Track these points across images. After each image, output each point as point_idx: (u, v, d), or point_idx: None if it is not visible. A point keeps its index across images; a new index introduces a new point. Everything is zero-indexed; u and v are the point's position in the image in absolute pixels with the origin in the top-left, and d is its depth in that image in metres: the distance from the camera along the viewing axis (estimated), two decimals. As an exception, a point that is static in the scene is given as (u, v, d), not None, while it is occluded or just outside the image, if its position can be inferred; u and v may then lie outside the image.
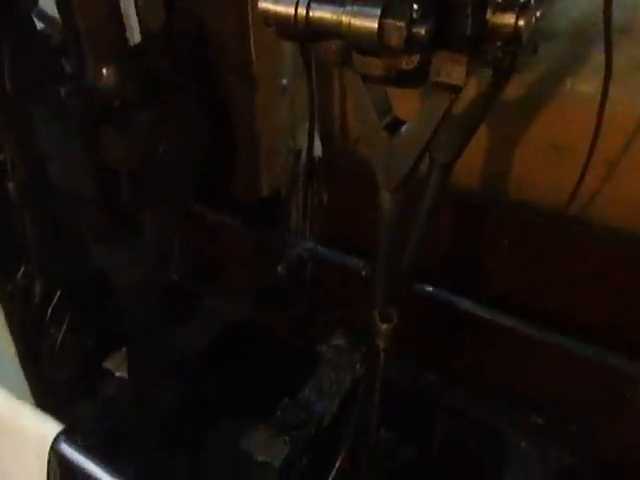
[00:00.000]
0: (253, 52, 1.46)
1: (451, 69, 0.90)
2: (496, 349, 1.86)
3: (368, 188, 1.91)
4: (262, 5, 0.88)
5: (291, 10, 0.84)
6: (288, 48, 1.65)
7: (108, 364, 2.02)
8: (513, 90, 1.57)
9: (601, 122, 1.32)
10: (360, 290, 1.94)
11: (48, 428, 1.02)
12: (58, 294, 2.00)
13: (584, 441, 1.82)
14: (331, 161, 1.89)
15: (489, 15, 0.87)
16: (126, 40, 1.31)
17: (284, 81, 1.66)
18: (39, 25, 1.56)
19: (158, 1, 1.42)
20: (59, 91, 1.21)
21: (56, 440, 1.01)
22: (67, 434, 1.03)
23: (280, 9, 0.86)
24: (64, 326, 2.02)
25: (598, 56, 1.48)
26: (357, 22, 0.78)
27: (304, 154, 1.82)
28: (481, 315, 1.74)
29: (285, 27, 0.85)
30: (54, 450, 1.01)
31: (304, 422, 1.93)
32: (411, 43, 0.77)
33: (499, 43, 0.89)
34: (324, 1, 0.83)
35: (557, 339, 1.67)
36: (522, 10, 0.86)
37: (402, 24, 0.76)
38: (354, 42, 0.82)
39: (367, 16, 0.77)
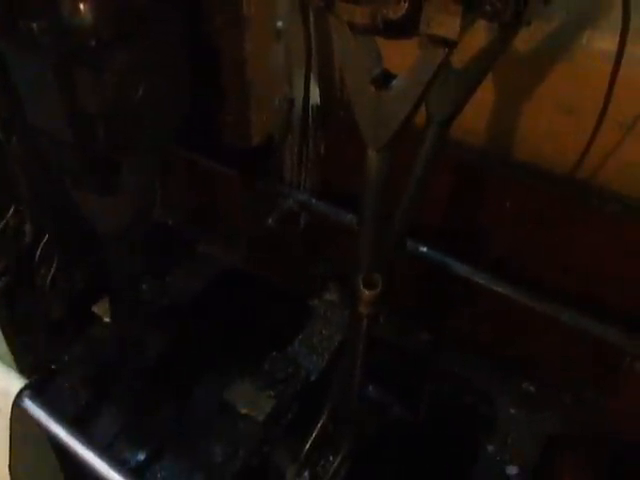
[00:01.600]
0: (245, -11, 1.36)
1: (443, 20, 0.80)
2: (491, 314, 1.81)
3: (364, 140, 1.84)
4: None
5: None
6: (283, -13, 1.54)
7: (97, 309, 2.00)
8: (521, 43, 1.45)
9: (615, 81, 1.21)
10: (354, 246, 1.90)
11: (11, 384, 0.99)
12: (47, 235, 1.97)
13: (575, 411, 1.79)
14: (329, 110, 1.80)
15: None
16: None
17: (279, 24, 1.55)
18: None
19: None
20: (31, 27, 1.12)
21: (19, 396, 0.98)
22: (33, 389, 0.99)
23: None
24: (53, 266, 1.99)
25: (617, 12, 1.36)
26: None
27: (300, 102, 1.72)
28: (476, 280, 1.69)
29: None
30: (17, 406, 0.99)
31: (291, 376, 1.92)
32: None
33: (498, -9, 0.79)
34: None
35: (553, 308, 1.61)
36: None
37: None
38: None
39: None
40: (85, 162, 1.29)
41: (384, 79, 0.97)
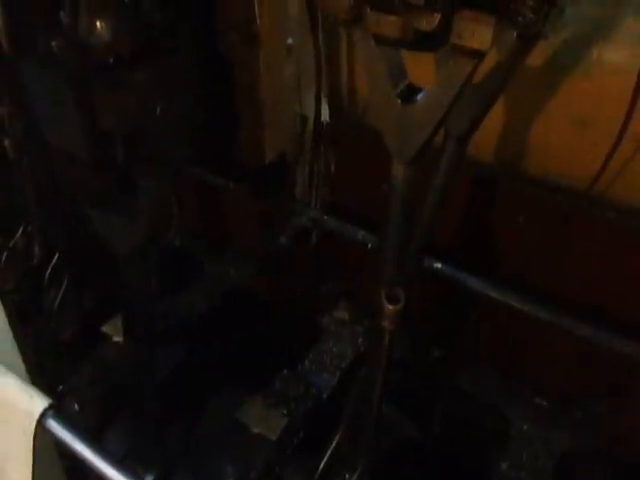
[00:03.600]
0: (256, 8, 1.36)
1: (475, 31, 0.81)
2: (502, 329, 1.81)
3: (378, 156, 1.82)
4: None
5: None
6: (294, 5, 1.55)
7: (107, 328, 1.98)
8: (535, 57, 1.46)
9: (638, 94, 1.22)
10: (365, 263, 1.89)
11: (35, 403, 0.97)
12: (57, 255, 1.96)
13: (589, 427, 1.78)
14: (339, 127, 1.81)
15: (518, -30, 0.78)
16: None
17: (289, 41, 1.56)
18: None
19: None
20: (51, 44, 1.13)
21: (43, 416, 0.96)
22: (55, 409, 0.98)
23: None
24: (63, 287, 1.97)
25: (627, 21, 1.37)
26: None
27: (311, 119, 1.73)
28: (489, 294, 1.68)
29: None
30: (41, 426, 0.97)
31: (303, 395, 1.90)
32: None
33: (530, 2, 0.80)
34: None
35: (567, 322, 1.60)
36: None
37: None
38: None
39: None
40: (102, 181, 1.28)
41: (410, 92, 0.97)
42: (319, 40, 1.53)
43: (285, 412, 1.83)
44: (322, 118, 1.73)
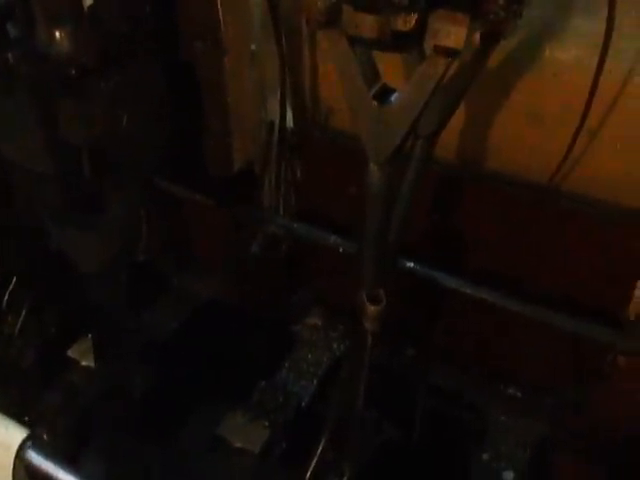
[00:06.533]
0: (221, 14, 1.35)
1: (450, 30, 0.82)
2: (474, 323, 1.83)
3: (344, 160, 1.85)
4: None
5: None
6: (257, 10, 1.54)
7: (73, 352, 1.91)
8: (491, 57, 1.50)
9: (595, 90, 1.26)
10: (338, 268, 1.89)
11: (11, 435, 0.92)
12: (14, 279, 1.88)
13: (561, 412, 1.82)
14: (303, 132, 1.80)
15: (490, -31, 0.80)
16: (81, 1, 1.18)
17: (252, 47, 1.55)
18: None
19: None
20: (6, 57, 1.08)
21: (21, 447, 0.92)
22: (33, 440, 0.93)
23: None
24: (23, 311, 1.89)
25: (576, 21, 1.42)
26: (359, -27, 0.69)
27: (276, 125, 1.72)
28: (460, 289, 1.70)
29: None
30: (20, 458, 0.92)
31: (282, 405, 1.88)
32: (417, -1, 0.69)
33: (501, 2, 0.82)
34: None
35: (534, 310, 1.64)
36: (526, -35, 0.79)
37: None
38: (351, -4, 0.73)
39: (369, -35, 0.69)
40: (67, 196, 1.24)
41: (385, 93, 0.98)
42: (282, 44, 1.52)
43: (266, 424, 1.81)
44: (287, 124, 1.73)
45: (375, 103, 0.97)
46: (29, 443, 0.93)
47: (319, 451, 1.58)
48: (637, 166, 1.39)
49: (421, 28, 0.82)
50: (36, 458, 0.92)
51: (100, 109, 1.15)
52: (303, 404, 1.90)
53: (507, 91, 1.54)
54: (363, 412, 1.43)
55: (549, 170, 1.51)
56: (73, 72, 1.14)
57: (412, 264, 1.67)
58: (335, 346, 2.07)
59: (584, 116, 1.32)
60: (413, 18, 0.79)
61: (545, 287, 1.66)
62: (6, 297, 1.89)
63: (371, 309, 1.17)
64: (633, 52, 1.29)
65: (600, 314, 1.59)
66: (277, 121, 1.71)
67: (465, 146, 1.67)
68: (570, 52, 1.43)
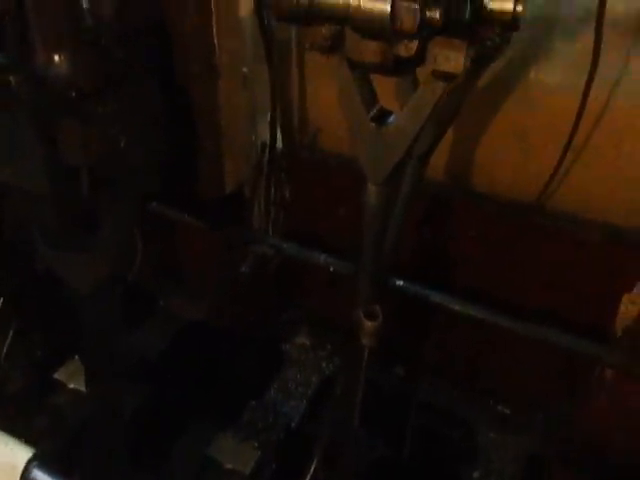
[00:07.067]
0: (216, 39, 1.38)
1: (449, 56, 0.86)
2: (465, 340, 1.86)
3: (332, 181, 1.88)
4: None
5: (293, -9, 0.77)
6: (249, 34, 1.57)
7: (60, 375, 1.89)
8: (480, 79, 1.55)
9: (583, 111, 1.31)
10: (328, 287, 1.91)
11: (17, 455, 0.92)
12: (1, 301, 1.85)
13: (549, 428, 1.85)
14: (293, 154, 1.83)
15: (487, 0, 0.84)
16: (79, 25, 1.20)
17: (244, 69, 1.58)
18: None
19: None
20: (8, 80, 1.09)
21: (27, 468, 0.91)
22: (39, 459, 0.93)
23: (280, -11, 0.78)
24: (9, 334, 1.87)
25: (560, 44, 1.48)
26: (368, 4, 0.73)
27: (266, 146, 1.75)
28: (449, 306, 1.73)
29: (284, 9, 0.78)
30: (25, 478, 0.91)
31: (272, 425, 1.87)
32: (424, 27, 0.72)
33: (497, 29, 0.86)
34: (330, -19, 0.77)
35: (525, 327, 1.67)
36: (520, -4, 0.84)
37: (416, 7, 0.71)
38: (362, 26, 0.76)
39: (379, -3, 0.72)
40: (63, 217, 1.24)
41: (382, 116, 1.01)
42: (274, 68, 1.56)
43: (256, 444, 1.80)
44: (276, 145, 1.75)
45: (373, 125, 1.00)
46: (35, 463, 0.93)
47: (311, 470, 1.58)
48: (621, 185, 1.45)
49: (421, 54, 0.86)
50: (42, 477, 0.91)
51: (98, 131, 1.16)
52: (293, 424, 1.90)
53: (494, 112, 1.60)
54: (359, 428, 1.44)
55: (536, 189, 1.56)
56: (72, 95, 1.15)
57: (402, 282, 1.70)
58: (324, 365, 2.08)
59: (571, 137, 1.37)
60: (414, 45, 0.82)
61: (534, 303, 1.70)
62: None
63: (368, 325, 1.18)
64: (614, 75, 1.35)
65: (588, 330, 1.62)
66: (267, 143, 1.74)
67: (453, 166, 1.72)
68: (554, 74, 1.50)
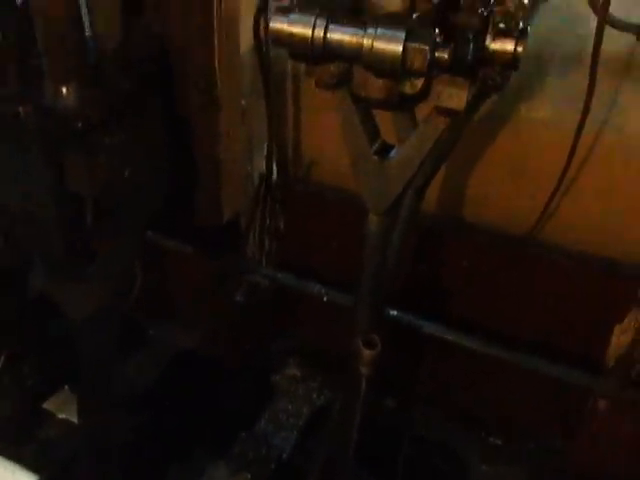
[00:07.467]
0: (218, 73, 1.42)
1: (452, 93, 0.90)
2: (457, 370, 1.87)
3: (325, 213, 1.91)
4: (275, 26, 0.84)
5: (308, 32, 0.81)
6: (247, 69, 1.62)
7: (49, 405, 1.86)
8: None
9: (576, 147, 1.36)
10: (320, 317, 1.92)
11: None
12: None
13: (541, 458, 1.86)
14: (287, 185, 1.87)
15: (489, 41, 0.88)
16: (85, 59, 1.23)
17: (243, 102, 1.62)
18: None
19: (114, 18, 1.36)
20: (17, 111, 1.11)
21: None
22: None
23: (295, 30, 0.82)
24: (0, 362, 1.84)
25: (551, 81, 1.55)
26: (380, 45, 0.77)
27: (262, 178, 1.78)
28: (442, 337, 1.75)
29: (299, 48, 0.82)
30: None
31: (264, 457, 1.86)
32: (432, 67, 0.76)
33: (498, 68, 0.91)
34: (343, 23, 0.81)
35: (517, 357, 1.69)
36: (520, 37, 0.88)
37: (426, 48, 0.75)
38: (373, 65, 0.80)
39: (391, 39, 0.76)
40: (65, 245, 1.25)
41: (385, 149, 1.05)
42: (271, 102, 1.60)
43: (248, 476, 1.78)
44: (272, 176, 1.79)
45: (376, 158, 1.04)
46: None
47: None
48: (613, 218, 1.50)
49: (425, 91, 0.90)
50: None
51: (103, 161, 1.18)
52: (284, 456, 1.88)
53: (488, 145, 1.65)
54: (354, 457, 1.44)
55: (529, 220, 1.60)
56: (78, 125, 1.18)
57: (395, 312, 1.72)
58: (315, 397, 2.07)
59: (564, 171, 1.42)
60: (420, 82, 0.86)
61: (526, 334, 1.72)
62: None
63: (367, 353, 1.20)
64: (605, 111, 1.41)
65: (580, 360, 1.65)
66: (264, 174, 1.77)
67: (446, 197, 1.76)
68: (545, 110, 1.56)
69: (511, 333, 1.73)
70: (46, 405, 1.86)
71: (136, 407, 1.90)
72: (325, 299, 1.79)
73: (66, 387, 1.91)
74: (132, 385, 1.96)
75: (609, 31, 1.24)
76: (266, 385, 2.09)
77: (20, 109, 1.12)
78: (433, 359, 1.89)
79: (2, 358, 1.82)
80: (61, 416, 1.83)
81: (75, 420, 1.77)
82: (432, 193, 1.72)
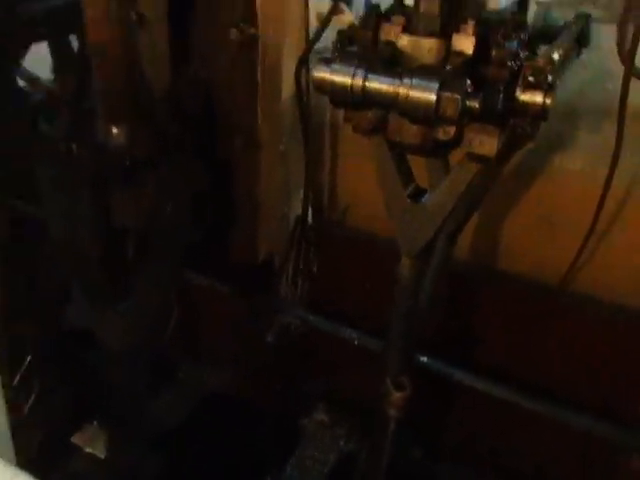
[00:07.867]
0: (260, 116, 1.48)
1: (483, 140, 0.94)
2: (486, 421, 1.84)
3: (358, 256, 1.94)
4: (318, 74, 0.90)
5: (348, 80, 0.87)
6: (288, 113, 1.69)
7: (77, 439, 1.88)
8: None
9: (605, 197, 1.38)
10: (350, 361, 1.92)
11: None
12: (28, 359, 1.88)
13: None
14: (322, 228, 1.90)
15: (518, 92, 0.92)
16: (136, 102, 1.31)
17: (281, 147, 1.68)
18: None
19: (164, 64, 1.44)
20: (70, 147, 1.19)
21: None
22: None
23: (337, 78, 0.88)
24: (33, 394, 1.88)
25: (582, 134, 1.58)
26: (415, 94, 0.81)
27: (297, 220, 1.82)
28: (472, 386, 1.73)
29: (339, 95, 0.87)
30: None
31: (289, 503, 1.84)
32: (464, 115, 0.80)
33: (527, 119, 0.94)
34: (380, 73, 0.86)
35: (548, 410, 1.66)
36: (549, 89, 0.92)
37: (458, 97, 0.79)
38: (408, 112, 0.85)
39: (425, 88, 0.81)
40: (107, 277, 1.30)
41: (418, 193, 1.08)
42: (309, 146, 1.65)
43: (273, 521, 1.76)
44: (307, 219, 1.83)
45: (409, 201, 1.07)
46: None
47: None
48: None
49: (457, 138, 0.93)
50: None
51: (149, 194, 1.24)
52: (309, 502, 1.86)
53: (519, 196, 1.67)
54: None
55: (560, 270, 1.60)
56: (127, 162, 1.25)
57: (425, 359, 1.71)
58: (342, 444, 2.05)
59: (594, 223, 1.42)
60: (453, 129, 0.90)
61: (557, 384, 1.69)
62: (17, 377, 1.88)
63: (396, 396, 1.20)
64: (635, 164, 1.42)
65: (612, 413, 1.61)
66: (299, 216, 1.82)
67: (477, 245, 1.77)
68: (578, 162, 1.58)
69: (542, 383, 1.70)
70: (74, 439, 1.88)
71: (163, 445, 1.91)
72: (356, 342, 1.79)
73: (95, 422, 1.93)
74: (160, 423, 1.98)
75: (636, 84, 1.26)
76: (293, 429, 2.07)
77: (73, 146, 1.20)
78: (462, 408, 1.86)
79: (34, 392, 1.86)
80: (88, 450, 1.85)
81: (101, 455, 1.80)
82: (465, 240, 1.74)
